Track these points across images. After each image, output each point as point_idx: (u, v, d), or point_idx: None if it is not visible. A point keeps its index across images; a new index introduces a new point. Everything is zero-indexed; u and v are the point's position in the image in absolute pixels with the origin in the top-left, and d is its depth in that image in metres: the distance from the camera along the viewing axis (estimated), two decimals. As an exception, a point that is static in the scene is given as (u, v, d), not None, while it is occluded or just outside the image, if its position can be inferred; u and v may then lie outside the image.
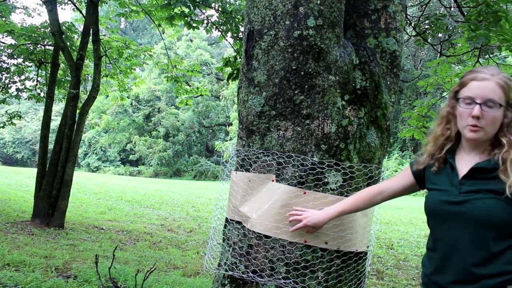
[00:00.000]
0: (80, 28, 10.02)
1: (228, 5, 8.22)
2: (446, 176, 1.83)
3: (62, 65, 10.99)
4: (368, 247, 2.44)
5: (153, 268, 3.78)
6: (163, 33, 10.92)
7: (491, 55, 7.44)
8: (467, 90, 1.75)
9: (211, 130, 48.40)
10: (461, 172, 1.79)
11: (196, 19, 8.39)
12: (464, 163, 1.80)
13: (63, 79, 11.94)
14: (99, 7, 9.12)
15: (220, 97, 44.83)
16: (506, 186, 1.64)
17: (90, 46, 9.10)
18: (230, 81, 7.49)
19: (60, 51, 8.96)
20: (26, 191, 14.29)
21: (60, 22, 8.87)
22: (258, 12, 2.30)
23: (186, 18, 7.93)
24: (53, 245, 6.49)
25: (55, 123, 26.30)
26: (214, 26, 8.36)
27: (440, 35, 7.62)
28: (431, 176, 1.89)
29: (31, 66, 12.02)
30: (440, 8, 21.70)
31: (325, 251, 2.22)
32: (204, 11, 8.77)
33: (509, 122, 1.72)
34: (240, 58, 7.27)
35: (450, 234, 1.75)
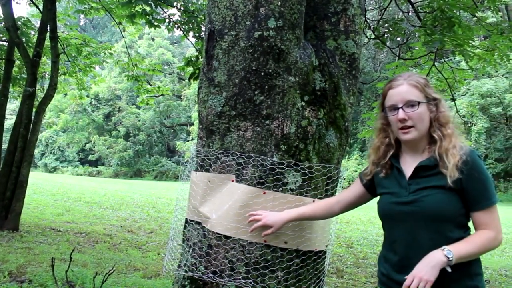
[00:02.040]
0: (37, 24, 9.74)
1: (190, 5, 8.18)
2: (394, 179, 1.92)
3: (17, 62, 10.63)
4: (327, 246, 2.48)
5: (112, 270, 3.70)
6: (124, 31, 10.74)
7: (446, 59, 7.70)
8: (388, 99, 1.90)
9: (172, 130, 47.94)
10: (408, 173, 1.88)
11: (158, 17, 8.30)
12: (409, 164, 1.90)
13: (18, 77, 11.55)
14: (57, 3, 8.88)
15: (182, 97, 44.48)
16: (448, 178, 1.74)
17: (47, 43, 8.84)
18: (192, 81, 7.45)
19: (15, 47, 8.66)
20: (-22, 192, 13.72)
21: (16, 17, 8.58)
22: (219, 12, 2.29)
23: (147, 17, 7.83)
24: (6, 248, 6.26)
25: (9, 121, 25.43)
26: (176, 25, 8.30)
27: (398, 38, 7.82)
28: (381, 182, 1.99)
29: (-17, 62, 11.57)
30: (398, 13, 22.27)
31: (284, 250, 2.24)
32: (166, 10, 8.69)
33: (435, 117, 1.84)
34: (201, 57, 7.24)
35: (407, 234, 1.82)
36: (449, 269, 1.67)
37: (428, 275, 1.65)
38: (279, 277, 2.23)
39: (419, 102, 1.82)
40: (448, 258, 1.66)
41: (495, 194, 1.76)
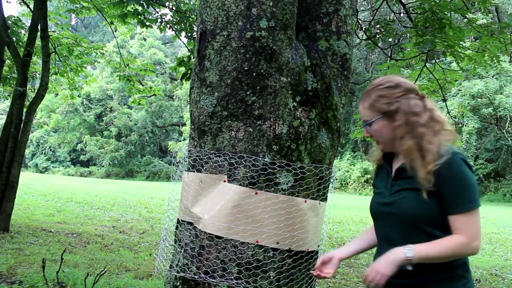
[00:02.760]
0: (28, 23, 9.66)
1: (182, 5, 8.16)
2: (383, 180, 1.97)
3: (8, 61, 10.55)
4: (319, 246, 2.49)
5: (104, 271, 3.69)
6: (115, 31, 10.71)
7: (437, 60, 7.75)
8: None
9: (164, 130, 47.82)
10: (393, 174, 1.92)
11: (150, 17, 8.28)
12: (396, 166, 1.93)
13: (9, 76, 11.46)
14: (48, 2, 8.82)
15: (174, 97, 44.40)
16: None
17: (38, 42, 8.78)
18: (184, 81, 7.43)
19: (6, 47, 8.59)
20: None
21: (6, 16, 8.51)
22: (211, 12, 2.29)
23: (139, 17, 7.81)
24: (-4, 249, 6.22)
25: (0, 121, 25.23)
26: (168, 25, 8.28)
27: (390, 39, 7.86)
28: (375, 182, 2.05)
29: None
30: (390, 14, 22.38)
31: (276, 251, 2.24)
32: (158, 9, 8.67)
33: (394, 128, 1.84)
34: (194, 58, 7.23)
35: (387, 233, 1.89)
36: (409, 268, 1.71)
37: (384, 270, 1.71)
38: (271, 277, 2.23)
39: (372, 122, 1.87)
40: (407, 257, 1.69)
41: (475, 199, 1.71)
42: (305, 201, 2.29)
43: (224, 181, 2.24)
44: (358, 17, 7.02)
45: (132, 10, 7.82)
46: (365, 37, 7.06)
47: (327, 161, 2.47)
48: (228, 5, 2.24)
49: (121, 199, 16.04)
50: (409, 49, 7.51)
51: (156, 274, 5.49)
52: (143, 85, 13.17)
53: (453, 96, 26.57)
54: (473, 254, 1.74)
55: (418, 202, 1.75)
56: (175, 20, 8.21)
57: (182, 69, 7.81)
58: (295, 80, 2.31)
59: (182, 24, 8.11)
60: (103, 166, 44.59)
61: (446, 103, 11.28)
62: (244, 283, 2.19)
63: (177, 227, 2.48)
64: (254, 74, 2.22)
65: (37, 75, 12.33)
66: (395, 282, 1.78)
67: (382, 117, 1.84)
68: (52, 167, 45.35)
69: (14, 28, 9.57)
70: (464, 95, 26.39)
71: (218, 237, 2.23)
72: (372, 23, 6.67)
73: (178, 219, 2.47)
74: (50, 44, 8.93)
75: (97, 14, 9.78)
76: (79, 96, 36.93)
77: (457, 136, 1.83)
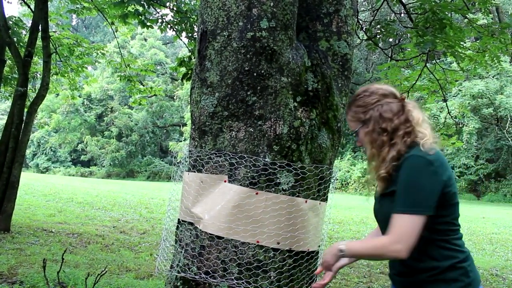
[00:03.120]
0: (28, 23, 9.66)
1: (183, 5, 8.17)
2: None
3: (9, 62, 10.56)
4: (319, 246, 2.49)
5: (105, 271, 3.69)
6: (116, 31, 10.72)
7: (437, 60, 7.75)
8: None
9: (165, 131, 47.83)
10: None
11: (151, 18, 8.28)
12: None
13: (9, 77, 11.47)
14: (49, 2, 8.83)
15: (175, 97, 44.40)
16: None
17: (39, 42, 8.79)
18: (184, 81, 7.43)
19: (7, 47, 8.60)
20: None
21: (7, 16, 8.52)
22: (211, 13, 2.29)
23: (140, 17, 7.82)
24: (-3, 249, 6.22)
25: (1, 122, 25.27)
26: (169, 26, 8.29)
27: (390, 40, 7.86)
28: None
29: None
30: (390, 14, 22.38)
31: (277, 251, 2.24)
32: (158, 10, 8.67)
33: (366, 134, 1.90)
34: (194, 58, 7.24)
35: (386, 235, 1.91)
36: (344, 261, 2.03)
37: (328, 258, 1.95)
38: (272, 278, 2.23)
39: (356, 132, 1.95)
40: (340, 250, 1.87)
41: (411, 204, 1.67)
42: (306, 201, 2.29)
43: (225, 181, 2.25)
44: (359, 17, 7.02)
45: (133, 10, 7.83)
46: (365, 37, 7.06)
47: (328, 161, 2.47)
48: (228, 6, 2.25)
49: (121, 199, 16.04)
50: (409, 49, 7.51)
51: (157, 274, 5.49)
52: (143, 85, 13.18)
53: (453, 96, 26.57)
54: (394, 258, 1.72)
55: (389, 206, 1.78)
56: (175, 20, 8.22)
57: (183, 70, 7.81)
58: (296, 81, 2.31)
59: (183, 25, 8.12)
60: (103, 166, 44.60)
61: (446, 103, 11.27)
62: (245, 283, 2.19)
63: (177, 227, 2.48)
64: (255, 74, 2.22)
65: (38, 75, 12.34)
66: (397, 279, 1.90)
67: (362, 126, 1.91)
68: (53, 167, 45.38)
69: (15, 29, 9.59)
70: (464, 95, 26.38)
71: (219, 237, 2.23)
72: (372, 24, 6.67)
73: (178, 219, 2.47)
74: (51, 44, 8.94)
75: (98, 14, 9.79)
76: (80, 96, 36.99)
77: (432, 135, 1.79)
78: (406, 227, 1.67)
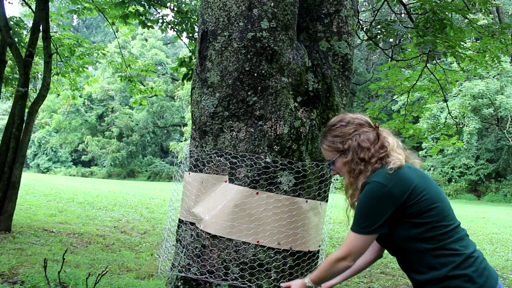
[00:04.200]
0: (29, 24, 9.68)
1: (183, 5, 8.17)
2: None
3: (10, 62, 10.57)
4: (320, 246, 2.49)
5: (105, 271, 3.70)
6: (117, 31, 10.71)
7: (438, 61, 7.75)
8: None
9: (165, 131, 47.82)
10: None
11: (151, 18, 8.29)
12: None
13: (10, 77, 11.48)
14: (50, 3, 8.83)
15: (175, 98, 44.36)
16: None
17: (40, 43, 8.79)
18: (185, 81, 7.44)
19: (8, 47, 8.61)
20: (-30, 193, 13.60)
21: (8, 16, 8.53)
22: (212, 13, 2.30)
23: (140, 17, 7.82)
24: (-2, 249, 6.23)
25: (2, 122, 25.29)
26: (169, 26, 8.29)
27: (391, 40, 7.86)
28: None
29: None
30: (391, 14, 22.38)
31: (277, 251, 2.25)
32: (159, 10, 8.68)
33: (344, 164, 1.92)
34: (195, 58, 7.25)
35: None
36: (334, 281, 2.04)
37: None
38: (272, 277, 2.24)
39: (332, 162, 1.95)
40: (306, 284, 1.93)
41: (359, 224, 1.82)
42: (306, 201, 2.29)
43: (226, 181, 2.25)
44: (359, 17, 7.03)
45: (134, 10, 7.84)
46: (366, 37, 7.07)
47: (328, 161, 2.47)
48: (229, 6, 2.25)
49: (122, 200, 16.04)
50: (410, 50, 7.51)
51: (158, 274, 5.50)
52: (144, 86, 13.19)
53: (454, 96, 26.53)
54: (344, 269, 1.87)
55: None
56: (176, 20, 8.22)
57: (184, 70, 7.82)
58: (296, 81, 2.32)
59: (184, 25, 8.12)
60: (104, 166, 44.59)
61: (447, 104, 11.28)
62: (245, 283, 2.20)
63: (178, 227, 2.48)
64: (255, 74, 2.23)
65: (39, 75, 12.35)
66: None
67: (339, 156, 1.92)
68: (54, 167, 45.38)
69: (16, 29, 9.58)
70: (465, 95, 26.35)
71: (220, 237, 2.23)
72: (373, 24, 6.67)
73: (179, 219, 2.48)
74: (52, 44, 8.94)
75: (98, 14, 9.79)
76: (80, 96, 37.03)
77: (404, 157, 1.85)
78: (353, 242, 1.84)
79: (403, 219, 1.77)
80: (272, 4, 2.23)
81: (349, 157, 1.88)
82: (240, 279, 2.21)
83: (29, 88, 8.87)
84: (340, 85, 2.56)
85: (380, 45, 6.94)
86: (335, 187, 2.71)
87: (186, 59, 7.83)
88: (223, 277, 2.21)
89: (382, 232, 1.80)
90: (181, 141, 42.60)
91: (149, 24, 7.99)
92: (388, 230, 1.80)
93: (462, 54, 5.86)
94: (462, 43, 5.62)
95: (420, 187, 1.77)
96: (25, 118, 8.14)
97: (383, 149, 1.86)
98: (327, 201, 2.52)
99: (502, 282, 6.93)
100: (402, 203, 1.75)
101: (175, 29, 8.26)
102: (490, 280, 1.75)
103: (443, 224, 1.77)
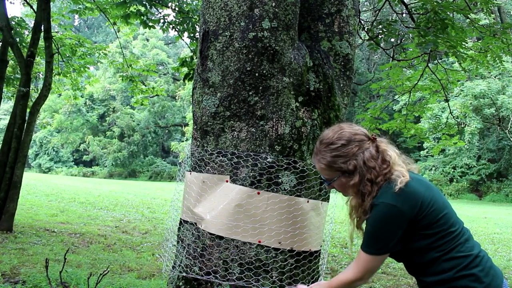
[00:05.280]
0: (31, 24, 9.68)
1: (185, 5, 8.17)
2: None
3: (11, 62, 10.58)
4: (321, 246, 2.49)
5: (107, 271, 3.70)
6: (118, 31, 10.72)
7: (439, 60, 7.74)
8: None
9: (167, 131, 47.84)
10: None
11: (152, 18, 8.29)
12: None
13: (12, 77, 11.49)
14: (51, 3, 8.84)
15: (177, 97, 44.39)
16: None
17: (41, 43, 8.80)
18: (186, 81, 7.44)
19: (9, 47, 8.62)
20: (-28, 193, 13.62)
21: (9, 16, 8.54)
22: (213, 13, 2.30)
23: (142, 17, 7.82)
24: (0, 249, 6.24)
25: (3, 122, 25.32)
26: (171, 26, 8.29)
27: (392, 40, 7.85)
28: None
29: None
30: (392, 14, 22.36)
31: (278, 251, 2.24)
32: (160, 10, 8.69)
33: (351, 185, 1.84)
34: (196, 58, 7.25)
35: None
36: None
37: None
38: (274, 277, 2.24)
39: (331, 180, 1.87)
40: None
41: (369, 245, 1.80)
42: (307, 201, 2.29)
43: (227, 181, 2.25)
44: (361, 17, 7.02)
45: (135, 10, 7.84)
46: (367, 37, 7.06)
47: (329, 161, 2.47)
48: (230, 6, 2.25)
49: (123, 199, 16.05)
50: (411, 50, 7.50)
51: (160, 274, 5.50)
52: (145, 86, 13.19)
53: (455, 96, 26.50)
54: (356, 285, 1.87)
55: None
56: (177, 20, 8.22)
57: (185, 70, 7.82)
58: (298, 81, 2.31)
59: (185, 25, 8.12)
60: (106, 166, 44.63)
61: (448, 103, 11.26)
62: (247, 283, 2.20)
63: (179, 227, 2.48)
64: (257, 74, 2.22)
65: (40, 75, 12.36)
66: None
67: (342, 175, 1.84)
68: (55, 167, 45.43)
69: (18, 29, 9.60)
70: (466, 95, 26.32)
71: (221, 237, 2.23)
72: (374, 24, 6.67)
73: (180, 219, 2.48)
74: (53, 44, 8.95)
75: (100, 14, 9.80)
76: (82, 96, 37.09)
77: (404, 173, 1.79)
78: (365, 263, 1.83)
79: (413, 232, 1.75)
80: (274, 4, 2.23)
81: (356, 179, 1.80)
82: (241, 279, 2.20)
83: (31, 88, 8.89)
84: (342, 85, 2.56)
85: (382, 45, 6.94)
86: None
87: (187, 59, 7.84)
88: (224, 277, 2.21)
89: (396, 250, 1.79)
90: (183, 141, 42.61)
91: (150, 24, 7.99)
92: (401, 247, 1.79)
93: (463, 54, 5.85)
94: (463, 43, 5.62)
95: (428, 198, 1.75)
96: (26, 118, 8.15)
97: (385, 163, 1.80)
98: (328, 201, 2.52)
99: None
100: (413, 218, 1.73)
101: (177, 29, 8.26)
102: (496, 279, 1.77)
103: (451, 231, 1.78)
